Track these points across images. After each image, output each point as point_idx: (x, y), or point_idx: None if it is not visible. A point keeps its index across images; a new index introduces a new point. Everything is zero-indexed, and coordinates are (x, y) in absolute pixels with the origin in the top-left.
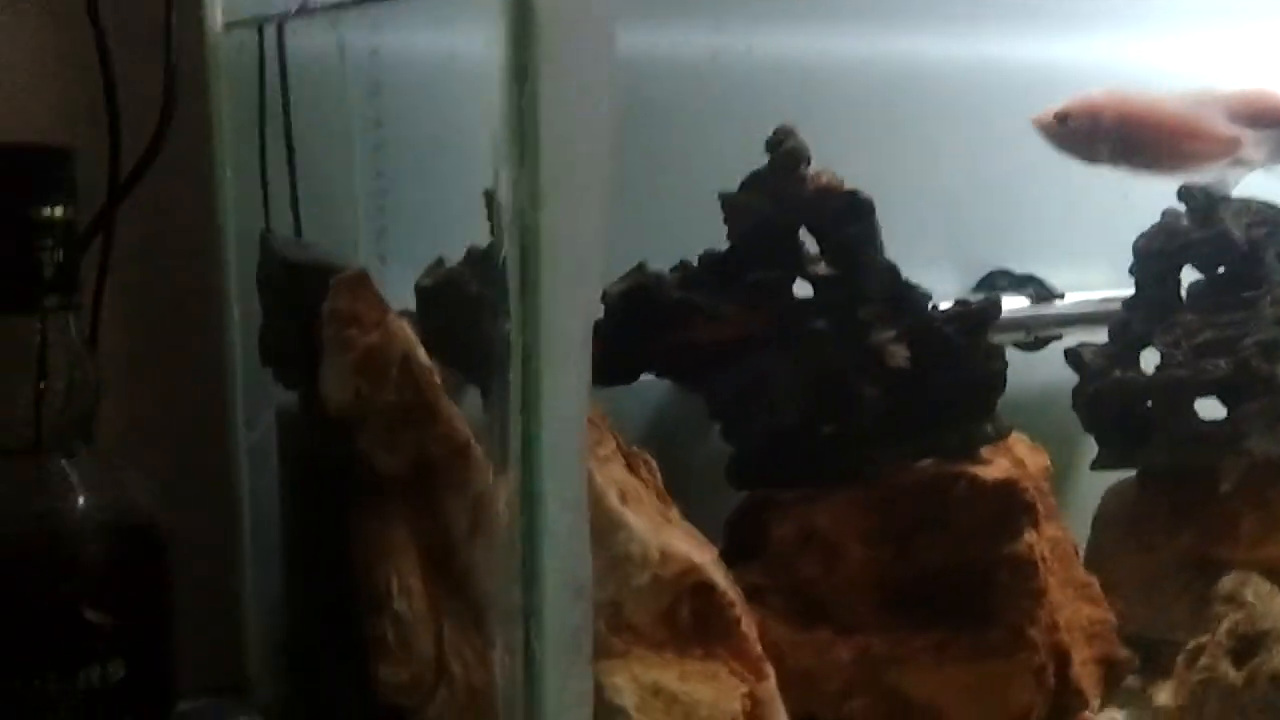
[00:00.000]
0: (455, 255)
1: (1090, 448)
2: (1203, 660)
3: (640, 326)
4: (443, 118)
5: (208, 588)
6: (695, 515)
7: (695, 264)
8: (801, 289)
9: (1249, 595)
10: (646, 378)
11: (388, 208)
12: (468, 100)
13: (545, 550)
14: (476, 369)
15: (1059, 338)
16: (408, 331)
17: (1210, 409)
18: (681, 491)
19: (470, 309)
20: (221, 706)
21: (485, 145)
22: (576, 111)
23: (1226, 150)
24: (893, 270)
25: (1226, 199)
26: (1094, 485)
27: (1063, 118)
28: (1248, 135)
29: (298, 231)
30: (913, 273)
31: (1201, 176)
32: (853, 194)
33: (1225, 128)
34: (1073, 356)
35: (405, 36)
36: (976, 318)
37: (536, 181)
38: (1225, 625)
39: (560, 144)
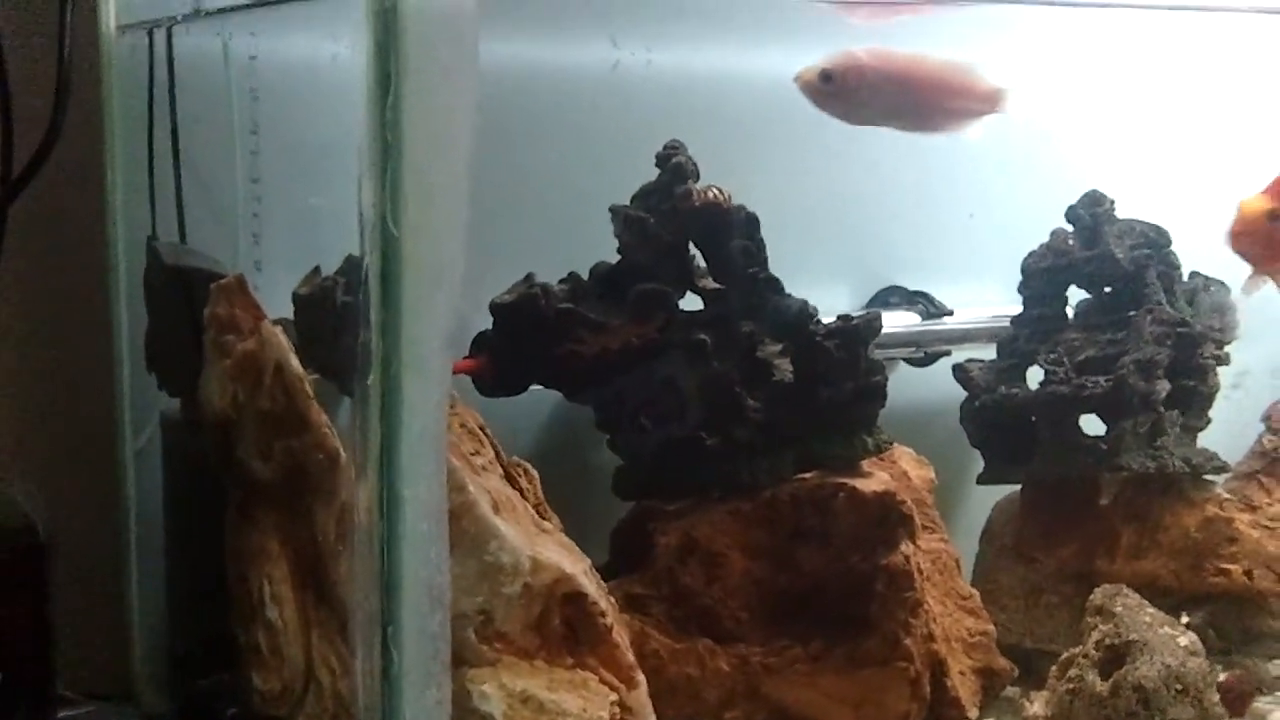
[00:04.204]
0: (331, 262)
1: (980, 462)
2: (1071, 671)
3: (528, 338)
4: (320, 125)
5: (95, 594)
6: (585, 526)
7: (585, 276)
8: (694, 303)
9: (1118, 607)
10: (537, 389)
11: (263, 214)
12: (344, 108)
13: (404, 557)
14: (348, 378)
15: (949, 354)
16: (280, 338)
17: (1094, 425)
18: (572, 503)
19: (342, 318)
20: (106, 713)
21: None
22: (440, 122)
23: (989, 105)
24: (776, 284)
25: (1112, 220)
26: (986, 500)
27: (827, 76)
28: (1008, 92)
29: (182, 237)
30: (808, 288)
31: (963, 132)
32: (736, 209)
33: (987, 83)
34: (960, 372)
35: (283, 43)
36: (858, 332)
37: (398, 190)
38: (1094, 637)
39: (423, 153)
